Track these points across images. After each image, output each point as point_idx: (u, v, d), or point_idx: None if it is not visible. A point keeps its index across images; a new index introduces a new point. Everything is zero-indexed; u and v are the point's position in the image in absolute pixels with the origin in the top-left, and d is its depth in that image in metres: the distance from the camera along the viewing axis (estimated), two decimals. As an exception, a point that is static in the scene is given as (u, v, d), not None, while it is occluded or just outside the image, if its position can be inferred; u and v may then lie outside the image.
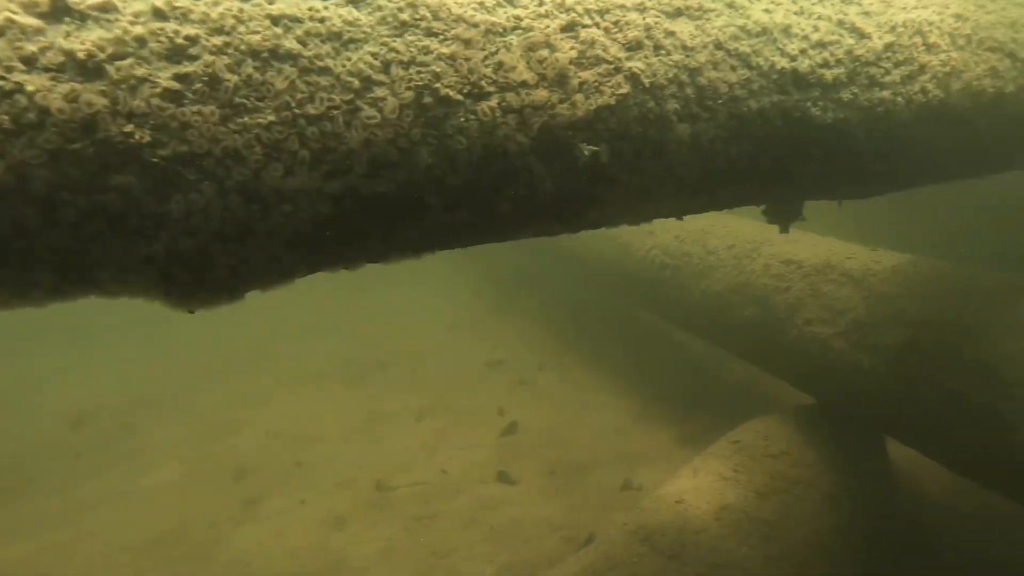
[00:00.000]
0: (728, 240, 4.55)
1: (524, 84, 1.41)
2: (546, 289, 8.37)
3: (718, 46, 1.65)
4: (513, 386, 6.25)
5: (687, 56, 1.60)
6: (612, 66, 1.51)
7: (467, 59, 1.37)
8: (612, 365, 6.27)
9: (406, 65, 1.32)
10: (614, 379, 6.01)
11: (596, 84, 1.49)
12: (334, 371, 7.27)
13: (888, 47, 1.94)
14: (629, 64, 1.53)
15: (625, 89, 1.51)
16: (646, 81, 1.54)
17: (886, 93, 1.93)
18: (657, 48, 1.57)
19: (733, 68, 1.66)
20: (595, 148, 1.48)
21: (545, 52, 1.44)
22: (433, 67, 1.34)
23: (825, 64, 1.81)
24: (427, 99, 1.33)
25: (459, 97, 1.36)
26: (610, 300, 6.86)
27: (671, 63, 1.58)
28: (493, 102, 1.38)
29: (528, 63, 1.42)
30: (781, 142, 1.81)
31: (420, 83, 1.32)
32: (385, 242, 1.47)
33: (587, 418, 5.40)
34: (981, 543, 3.57)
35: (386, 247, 1.49)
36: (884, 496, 3.63)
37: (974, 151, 2.37)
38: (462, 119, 1.36)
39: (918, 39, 2.00)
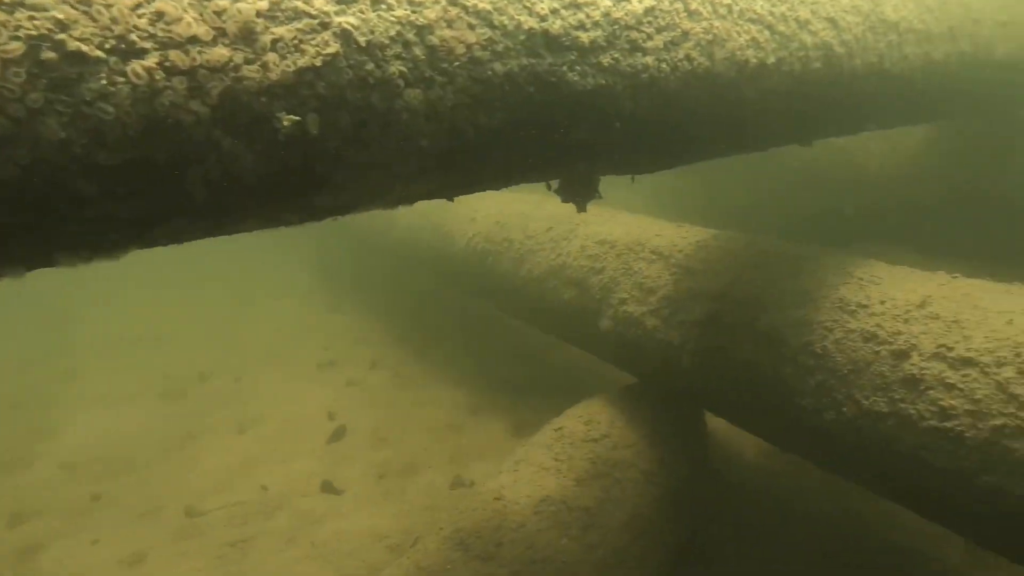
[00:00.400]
0: (547, 223, 4.48)
1: (195, 40, 1.15)
2: (382, 285, 8.06)
3: (452, 2, 1.46)
4: (344, 388, 5.92)
5: (413, 12, 1.40)
6: (317, 21, 1.28)
7: (109, 5, 1.08)
8: (447, 358, 6.10)
9: (10, 8, 1.01)
10: (448, 372, 5.83)
11: (296, 42, 1.25)
12: (150, 387, 6.59)
13: (648, 11, 1.84)
14: (339, 19, 1.30)
15: (334, 48, 1.28)
16: (362, 40, 1.32)
17: (649, 59, 1.84)
18: (376, 2, 1.35)
19: (471, 27, 1.48)
20: (295, 118, 1.24)
21: (224, 2, 1.18)
22: (55, 12, 1.04)
23: (580, 26, 1.68)
24: (48, 54, 1.03)
25: (99, 53, 1.07)
26: (445, 292, 6.68)
27: (394, 19, 1.37)
28: (151, 61, 1.11)
29: (200, 14, 1.16)
30: (539, 110, 1.66)
31: (35, 33, 1.02)
32: (32, 242, 1.16)
33: (419, 415, 5.19)
34: (788, 498, 3.74)
35: (35, 248, 1.18)
36: (702, 466, 3.70)
37: (747, 123, 2.36)
38: (105, 82, 1.07)
39: (679, 5, 1.93)
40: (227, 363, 6.90)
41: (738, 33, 2.09)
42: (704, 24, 1.98)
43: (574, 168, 2.13)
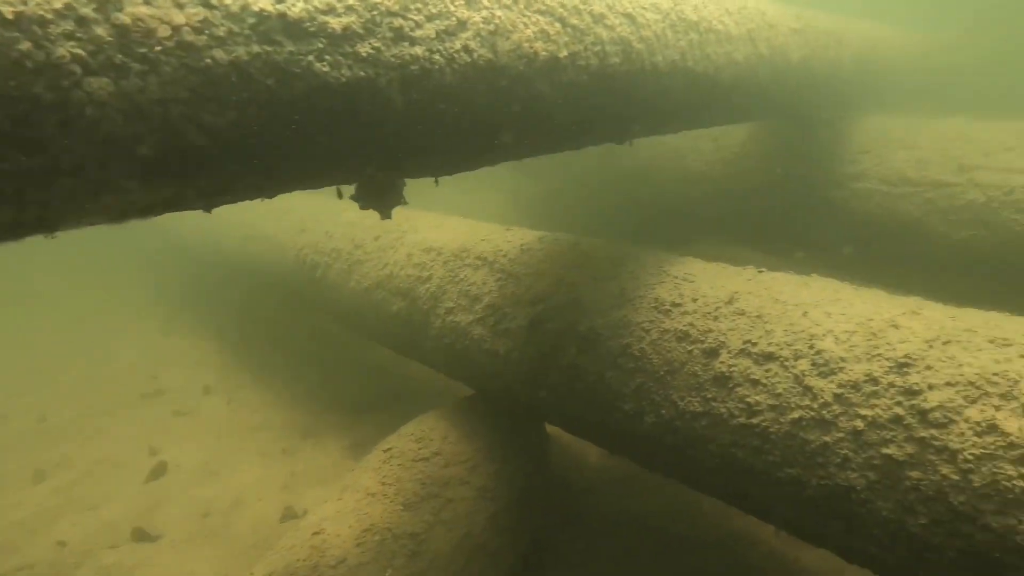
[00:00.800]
0: (375, 231, 4.25)
1: None
2: (220, 303, 7.49)
3: (150, -26, 1.21)
4: (171, 419, 5.38)
5: (90, -18, 1.14)
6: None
7: None
8: (286, 378, 5.71)
9: None
10: (286, 393, 5.45)
11: (-99, 11, 0.96)
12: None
13: (417, -3, 1.68)
14: (-29, -15, 1.03)
15: (-36, 21, 1.01)
16: (7, 10, 1.05)
17: (419, 50, 1.67)
18: (32, -34, 1.09)
19: (179, 5, 1.24)
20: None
21: None
22: None
23: (330, 10, 1.48)
24: None
25: None
26: (285, 307, 6.27)
27: (60, -11, 1.11)
28: None
29: None
30: (284, 105, 1.44)
31: None
32: None
33: (253, 442, 4.79)
34: (629, 498, 3.73)
35: None
36: (541, 475, 3.60)
37: (548, 120, 2.26)
38: None
39: (455, -9, 1.78)
40: (31, 399, 6.11)
41: (525, 24, 1.97)
42: (484, 13, 1.84)
43: (355, 172, 1.93)
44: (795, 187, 5.03)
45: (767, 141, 5.21)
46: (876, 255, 4.72)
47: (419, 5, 1.68)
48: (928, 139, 4.44)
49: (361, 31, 1.54)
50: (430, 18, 1.70)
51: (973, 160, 4.07)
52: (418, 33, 1.67)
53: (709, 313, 2.50)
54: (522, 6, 1.98)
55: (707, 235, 6.18)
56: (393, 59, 1.62)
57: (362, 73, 1.55)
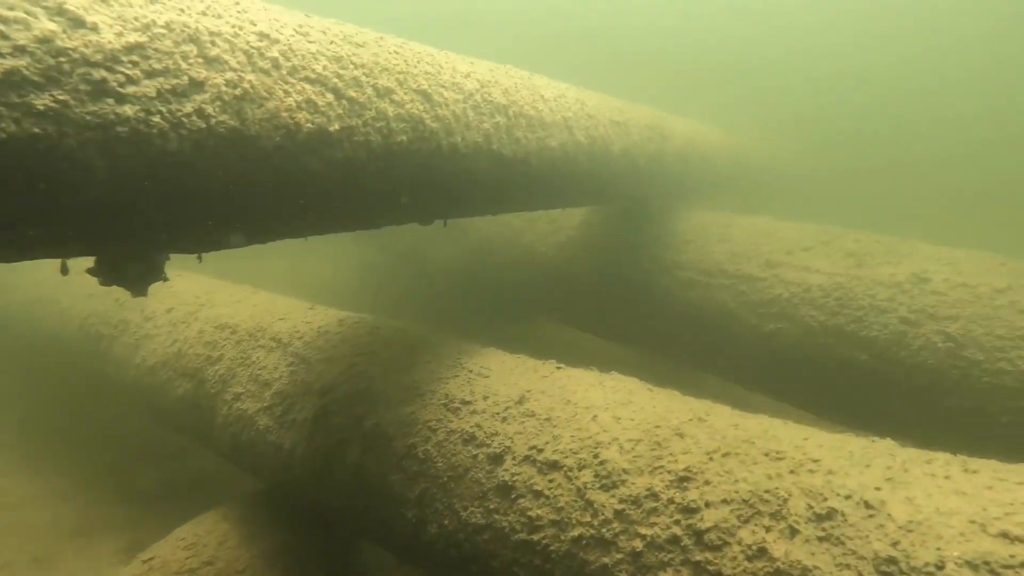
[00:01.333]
0: (168, 302, 3.80)
1: None
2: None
3: None
4: None
5: None
6: None
7: None
8: (64, 464, 4.93)
9: None
10: (61, 483, 4.69)
11: None
12: None
13: (133, 48, 1.42)
14: None
15: None
16: None
17: (130, 109, 1.41)
18: None
19: None
20: None
21: None
22: None
23: (-12, 52, 1.20)
24: None
25: None
26: (75, 381, 5.50)
27: None
28: None
29: None
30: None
31: None
32: None
33: (-1, 547, 4.02)
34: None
35: None
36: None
37: (325, 199, 2.04)
38: None
39: (191, 48, 1.54)
40: None
41: (286, 92, 1.76)
42: (229, 76, 1.61)
43: (63, 246, 1.60)
44: (626, 272, 5.10)
45: (601, 224, 5.28)
46: (697, 343, 4.82)
47: (135, 58, 1.42)
48: (741, 233, 4.65)
49: (38, 79, 1.26)
50: (151, 74, 1.44)
51: (777, 257, 4.27)
52: (130, 90, 1.41)
53: (498, 413, 2.32)
54: (284, 72, 1.77)
55: (544, 314, 6.15)
56: (89, 117, 1.34)
57: (37, 130, 1.26)
